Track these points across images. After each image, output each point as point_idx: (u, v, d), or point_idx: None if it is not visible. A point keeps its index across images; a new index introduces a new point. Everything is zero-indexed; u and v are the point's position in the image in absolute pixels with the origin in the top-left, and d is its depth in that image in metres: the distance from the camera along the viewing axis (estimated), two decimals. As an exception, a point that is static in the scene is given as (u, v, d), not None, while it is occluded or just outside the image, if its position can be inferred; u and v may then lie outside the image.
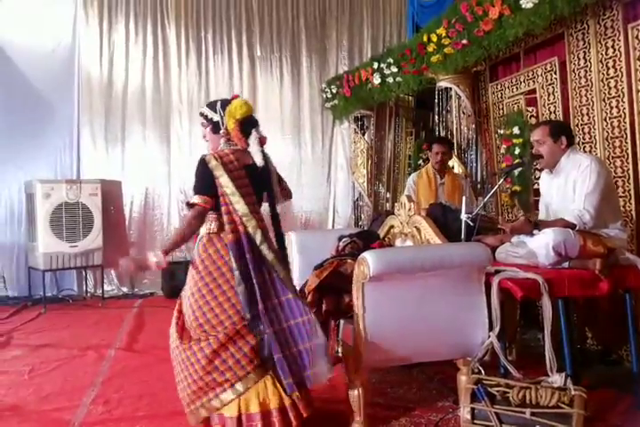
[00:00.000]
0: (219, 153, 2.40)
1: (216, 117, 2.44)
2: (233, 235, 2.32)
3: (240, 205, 2.34)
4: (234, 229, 2.32)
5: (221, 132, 2.44)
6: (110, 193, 5.77)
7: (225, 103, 2.43)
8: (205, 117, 2.48)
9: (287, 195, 2.73)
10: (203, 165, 2.37)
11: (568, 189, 2.90)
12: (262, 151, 2.48)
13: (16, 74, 5.63)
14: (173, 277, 5.85)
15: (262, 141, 2.49)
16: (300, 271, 3.54)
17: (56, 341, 4.02)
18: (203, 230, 2.45)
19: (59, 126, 5.85)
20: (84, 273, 5.81)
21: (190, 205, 2.40)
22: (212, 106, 2.48)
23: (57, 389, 3.03)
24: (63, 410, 2.72)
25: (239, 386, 2.23)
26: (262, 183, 2.49)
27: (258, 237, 2.35)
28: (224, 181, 2.34)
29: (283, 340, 2.26)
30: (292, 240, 3.69)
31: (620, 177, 3.31)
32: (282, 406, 2.22)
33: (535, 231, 2.80)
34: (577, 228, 2.73)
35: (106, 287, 5.76)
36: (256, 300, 2.25)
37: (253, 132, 2.44)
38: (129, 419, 2.61)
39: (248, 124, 2.42)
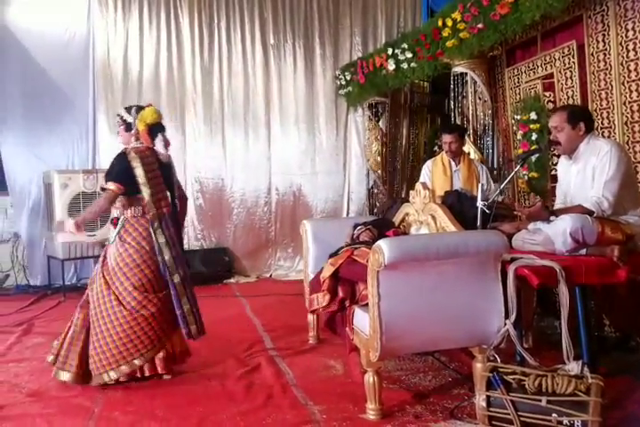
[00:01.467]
0: (137, 148, 2.94)
1: (130, 119, 3.01)
2: (148, 217, 2.90)
3: (147, 195, 2.87)
4: (147, 213, 2.90)
5: (132, 131, 2.99)
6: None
7: (139, 109, 3.01)
8: (121, 118, 3.05)
9: (184, 197, 3.29)
10: (123, 156, 2.90)
11: (587, 175, 2.85)
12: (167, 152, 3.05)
13: (33, 65, 5.66)
14: (189, 266, 5.92)
15: (167, 144, 3.05)
16: (315, 259, 3.56)
17: (76, 328, 4.08)
18: (129, 213, 2.93)
19: (75, 117, 5.88)
20: (102, 262, 5.88)
21: (103, 190, 2.89)
22: (128, 109, 3.05)
23: (77, 376, 3.09)
24: (83, 397, 2.77)
25: (164, 340, 2.91)
26: (168, 178, 3.05)
27: (155, 224, 2.89)
28: (138, 173, 2.86)
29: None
30: (306, 229, 3.70)
31: (639, 162, 3.25)
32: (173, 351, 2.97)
33: (552, 218, 2.77)
34: (595, 215, 2.69)
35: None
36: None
37: (159, 136, 3.00)
38: (148, 405, 2.65)
39: (155, 128, 2.98)
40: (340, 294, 2.82)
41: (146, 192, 2.86)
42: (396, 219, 3.46)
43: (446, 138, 4.20)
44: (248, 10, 6.38)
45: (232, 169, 6.36)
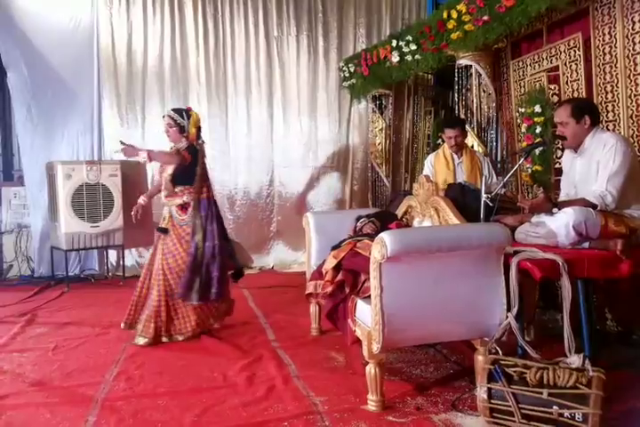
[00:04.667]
0: (200, 145, 3.65)
1: (183, 123, 3.57)
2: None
3: (197, 182, 3.57)
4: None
5: (185, 133, 3.58)
6: (132, 174, 5.79)
7: (187, 113, 3.60)
8: (174, 121, 3.56)
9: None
10: (194, 148, 3.58)
11: (592, 169, 2.84)
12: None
13: (37, 56, 5.64)
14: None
15: (203, 142, 3.73)
16: (318, 252, 3.57)
17: (79, 319, 4.11)
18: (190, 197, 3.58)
19: (80, 108, 5.87)
20: (105, 253, 5.91)
21: (179, 153, 3.52)
22: (179, 113, 3.59)
23: (80, 365, 3.10)
24: (86, 386, 2.79)
25: None
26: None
27: (197, 207, 3.58)
28: (198, 163, 3.58)
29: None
30: (309, 221, 3.70)
31: (644, 156, 3.23)
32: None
33: (555, 210, 2.76)
34: (598, 209, 2.68)
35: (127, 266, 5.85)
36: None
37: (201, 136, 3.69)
38: (150, 395, 2.66)
39: (200, 130, 3.66)
40: (340, 277, 2.82)
41: (197, 180, 3.55)
42: (399, 211, 3.46)
43: (450, 132, 4.17)
44: (252, 1, 6.34)
45: (235, 161, 6.36)
